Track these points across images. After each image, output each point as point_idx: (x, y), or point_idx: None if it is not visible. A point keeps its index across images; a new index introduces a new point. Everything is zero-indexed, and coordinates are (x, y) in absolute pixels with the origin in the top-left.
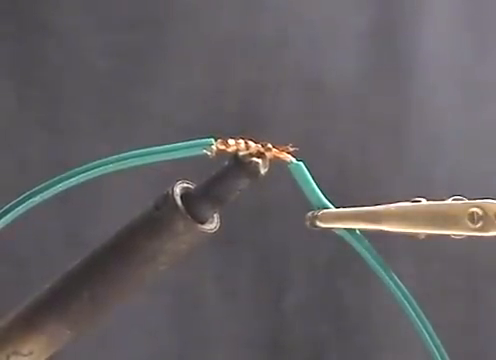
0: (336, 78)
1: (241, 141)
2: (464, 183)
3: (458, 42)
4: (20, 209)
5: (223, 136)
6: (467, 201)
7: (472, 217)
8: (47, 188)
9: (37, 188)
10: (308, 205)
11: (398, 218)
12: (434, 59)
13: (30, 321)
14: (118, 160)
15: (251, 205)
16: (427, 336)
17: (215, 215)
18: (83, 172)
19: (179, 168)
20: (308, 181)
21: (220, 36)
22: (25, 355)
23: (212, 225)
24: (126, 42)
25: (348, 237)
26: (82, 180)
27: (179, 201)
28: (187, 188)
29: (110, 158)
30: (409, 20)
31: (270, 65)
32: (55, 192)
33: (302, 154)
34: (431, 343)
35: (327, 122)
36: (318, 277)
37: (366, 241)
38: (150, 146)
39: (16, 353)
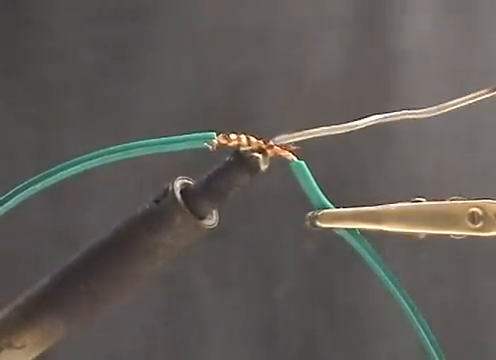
0: (322, 68)
1: (243, 136)
2: (449, 176)
3: (443, 32)
4: (22, 196)
5: (210, 127)
6: (467, 201)
7: (472, 217)
8: (50, 175)
9: (39, 176)
10: (298, 196)
11: (398, 218)
12: (418, 52)
13: (26, 313)
14: (118, 151)
15: (241, 196)
16: (425, 336)
17: (214, 212)
18: (86, 161)
19: (169, 164)
20: (309, 180)
21: (206, 28)
22: (18, 348)
23: (211, 221)
24: (112, 36)
25: (348, 237)
26: (84, 169)
27: (178, 195)
28: (187, 184)
29: (112, 148)
30: (394, 10)
31: (257, 56)
32: (56, 181)
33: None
34: (431, 347)
35: (312, 113)
36: (309, 266)
37: (366, 241)
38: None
39: (9, 345)
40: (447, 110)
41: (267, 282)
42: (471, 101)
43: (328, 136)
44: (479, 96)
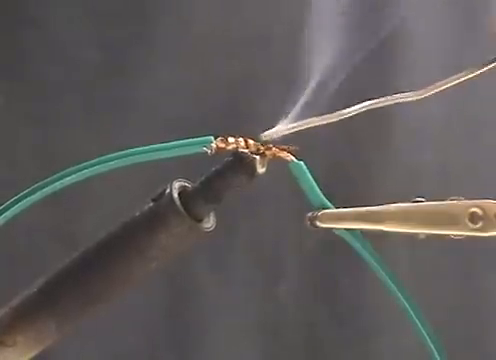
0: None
1: (241, 139)
2: (451, 168)
3: (442, 24)
4: (20, 206)
5: (211, 129)
6: (467, 201)
7: (472, 217)
8: (47, 185)
9: (38, 185)
10: (301, 192)
11: (398, 218)
12: (418, 43)
13: (19, 311)
14: (117, 158)
15: (243, 191)
16: (426, 335)
17: (211, 215)
18: (82, 170)
19: (169, 165)
20: (308, 181)
21: (206, 29)
22: (9, 346)
23: (208, 224)
24: (112, 36)
25: (348, 237)
26: (81, 178)
27: (176, 195)
28: (185, 186)
29: (109, 155)
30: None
31: (256, 58)
32: (54, 189)
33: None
34: (432, 345)
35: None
36: (312, 261)
37: (366, 241)
38: (146, 143)
39: (1, 343)
40: (434, 91)
41: (270, 277)
42: (457, 81)
43: (328, 135)
44: (465, 75)
